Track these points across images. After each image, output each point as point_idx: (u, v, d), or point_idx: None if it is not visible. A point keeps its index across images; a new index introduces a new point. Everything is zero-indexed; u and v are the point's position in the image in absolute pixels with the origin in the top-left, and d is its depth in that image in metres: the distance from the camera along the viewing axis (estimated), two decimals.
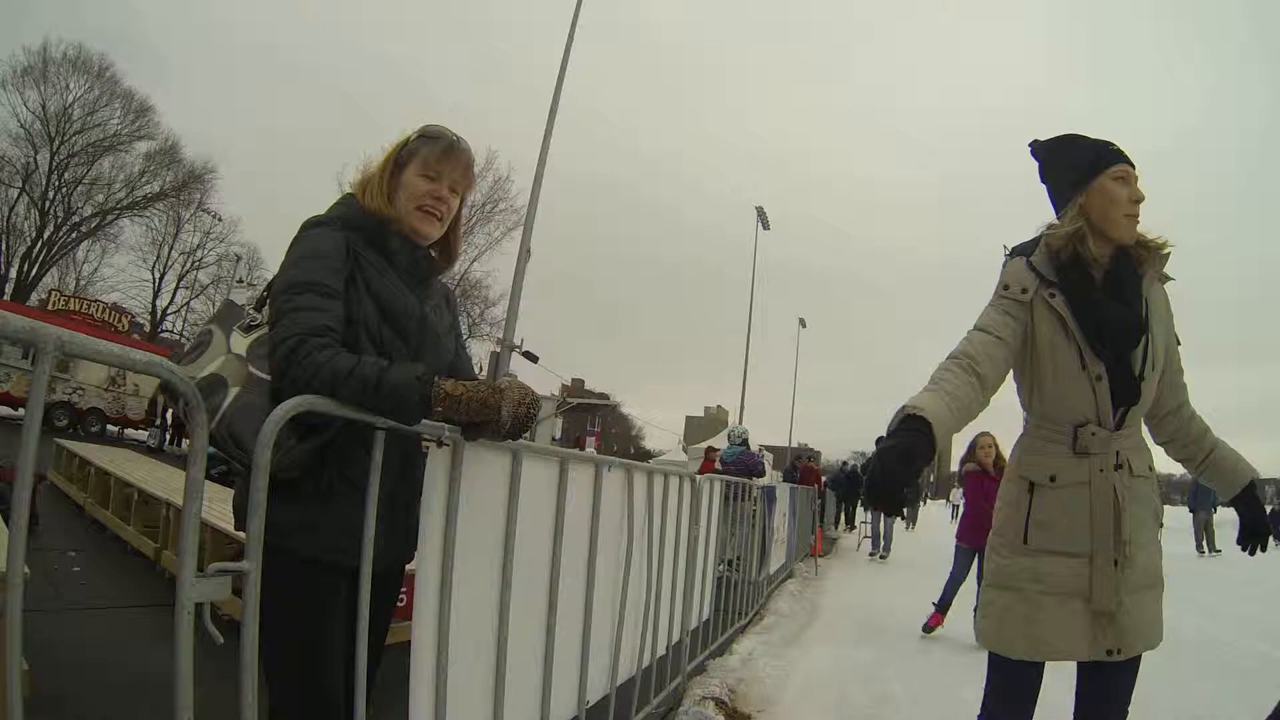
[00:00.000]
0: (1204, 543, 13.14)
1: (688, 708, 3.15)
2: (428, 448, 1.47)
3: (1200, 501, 13.37)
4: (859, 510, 15.61)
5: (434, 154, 1.56)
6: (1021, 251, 1.78)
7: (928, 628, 5.37)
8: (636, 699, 2.76)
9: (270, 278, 1.48)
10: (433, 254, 1.65)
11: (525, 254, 10.96)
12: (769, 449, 21.52)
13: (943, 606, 5.41)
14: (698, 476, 3.73)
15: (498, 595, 1.75)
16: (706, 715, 3.15)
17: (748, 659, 4.20)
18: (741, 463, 8.06)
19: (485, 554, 1.71)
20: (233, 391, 1.34)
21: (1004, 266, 1.78)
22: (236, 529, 1.31)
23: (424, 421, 1.33)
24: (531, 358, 11.67)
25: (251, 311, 1.45)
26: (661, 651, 3.02)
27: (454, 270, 1.76)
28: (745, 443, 8.68)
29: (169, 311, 30.48)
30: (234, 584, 1.08)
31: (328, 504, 1.38)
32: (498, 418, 1.30)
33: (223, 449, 1.30)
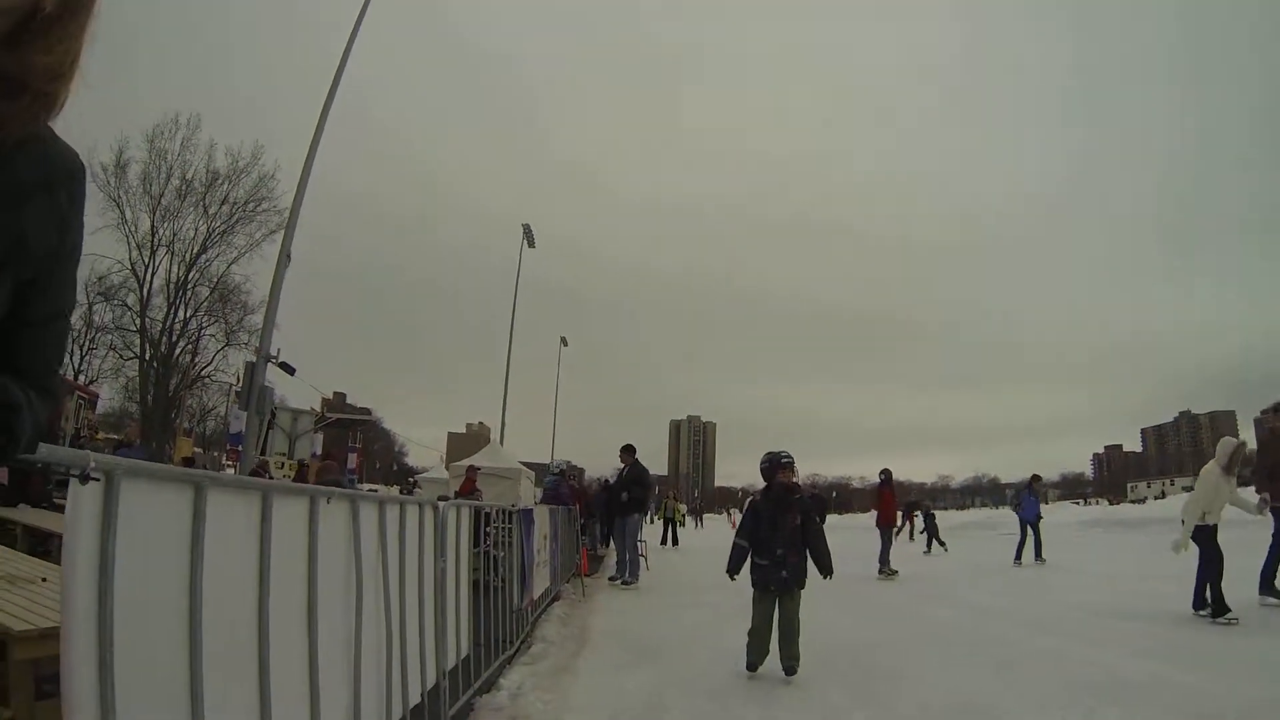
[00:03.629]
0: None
1: None
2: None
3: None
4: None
5: None
6: None
7: None
8: None
9: None
10: None
11: (285, 259, 10.76)
12: (529, 466, 22.11)
13: None
14: (440, 504, 3.62)
15: (185, 666, 1.52)
16: None
17: (517, 693, 4.17)
18: (556, 490, 10.49)
19: (161, 617, 1.48)
20: None
21: None
22: None
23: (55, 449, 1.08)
24: (288, 369, 11.38)
25: None
26: (416, 700, 2.87)
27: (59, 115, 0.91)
28: (562, 474, 11.74)
29: None
30: None
31: None
32: None
33: None
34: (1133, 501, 61.46)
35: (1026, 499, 12.99)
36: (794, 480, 5.02)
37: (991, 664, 4.89)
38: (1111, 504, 52.14)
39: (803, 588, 4.81)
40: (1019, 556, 12.41)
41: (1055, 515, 31.57)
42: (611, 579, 10.20)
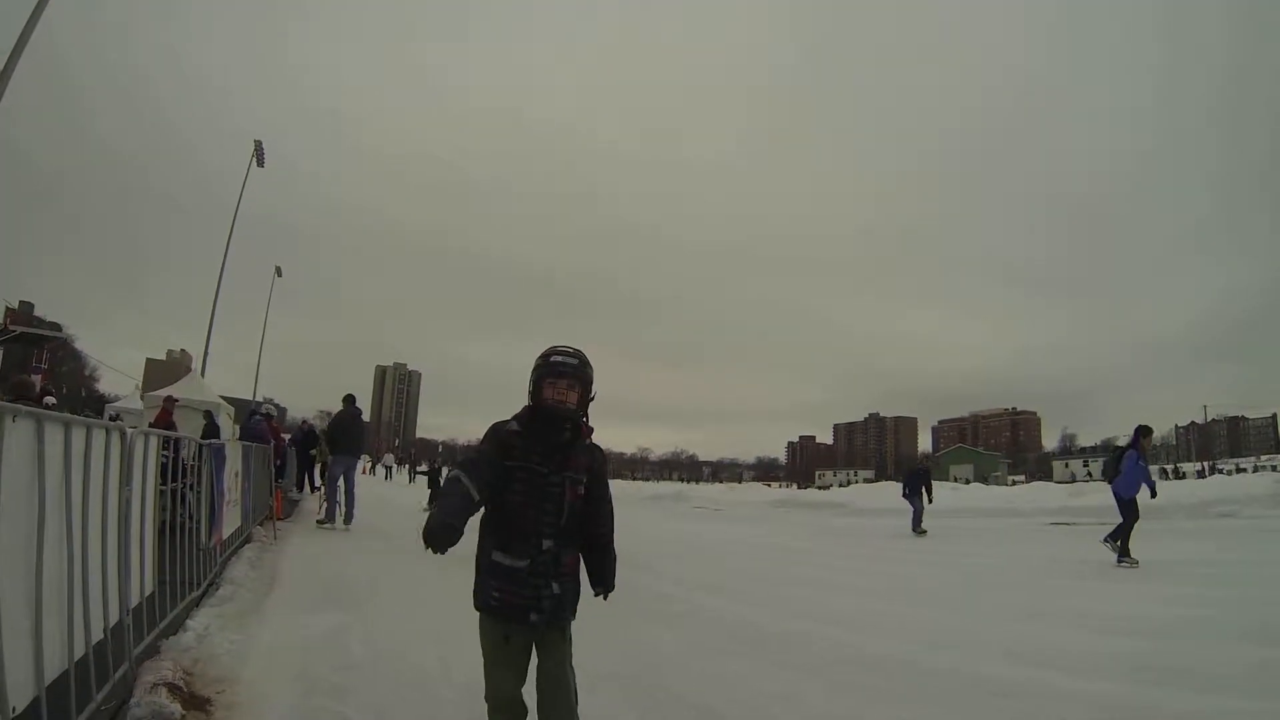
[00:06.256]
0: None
1: (139, 698, 2.96)
2: None
3: None
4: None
5: None
6: None
7: None
8: (76, 697, 2.48)
9: None
10: None
11: None
12: (230, 400, 20.21)
13: None
14: (128, 430, 3.38)
15: None
16: (161, 704, 3.01)
17: (204, 635, 4.11)
18: (255, 430, 11.07)
19: None
20: None
21: None
22: None
23: None
24: None
25: None
26: (99, 636, 2.75)
27: None
28: (266, 416, 12.28)
29: None
30: None
31: None
32: None
33: None
34: (819, 487, 73.08)
35: (1131, 464, 8.69)
36: (574, 407, 2.50)
37: (663, 619, 5.58)
38: (800, 488, 61.77)
39: (574, 617, 2.58)
40: (1126, 550, 8.29)
41: (748, 494, 33.24)
42: (320, 522, 10.61)
